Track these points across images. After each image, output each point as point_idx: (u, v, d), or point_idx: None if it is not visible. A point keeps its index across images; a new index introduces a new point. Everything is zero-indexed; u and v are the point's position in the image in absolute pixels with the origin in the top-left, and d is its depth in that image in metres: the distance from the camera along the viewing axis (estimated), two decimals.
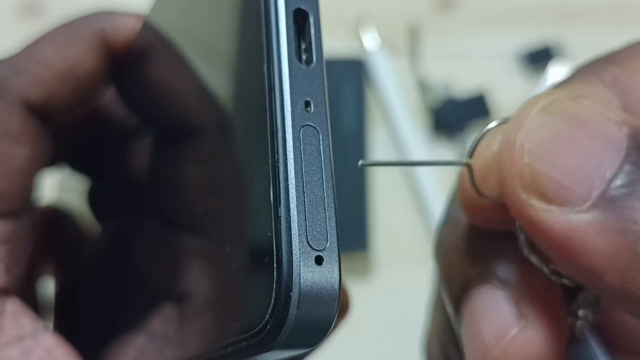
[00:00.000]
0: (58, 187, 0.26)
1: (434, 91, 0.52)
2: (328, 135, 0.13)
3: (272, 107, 0.13)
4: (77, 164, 0.25)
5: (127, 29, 0.21)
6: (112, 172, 0.23)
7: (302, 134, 0.13)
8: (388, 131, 0.52)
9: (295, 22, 0.13)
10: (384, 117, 0.52)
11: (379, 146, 0.50)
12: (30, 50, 0.20)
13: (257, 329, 0.13)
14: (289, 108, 0.13)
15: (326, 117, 0.13)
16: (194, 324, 0.18)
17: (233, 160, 0.15)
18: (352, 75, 0.51)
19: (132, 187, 0.22)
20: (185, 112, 0.19)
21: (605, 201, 0.12)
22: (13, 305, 0.19)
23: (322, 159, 0.13)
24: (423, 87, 0.52)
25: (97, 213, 0.24)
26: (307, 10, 0.13)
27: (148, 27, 0.20)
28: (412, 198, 0.50)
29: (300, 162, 0.13)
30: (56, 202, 0.26)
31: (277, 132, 0.13)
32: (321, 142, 0.13)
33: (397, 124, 0.51)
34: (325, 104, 0.13)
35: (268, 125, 0.13)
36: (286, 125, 0.13)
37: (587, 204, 0.12)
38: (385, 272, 0.48)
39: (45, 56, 0.20)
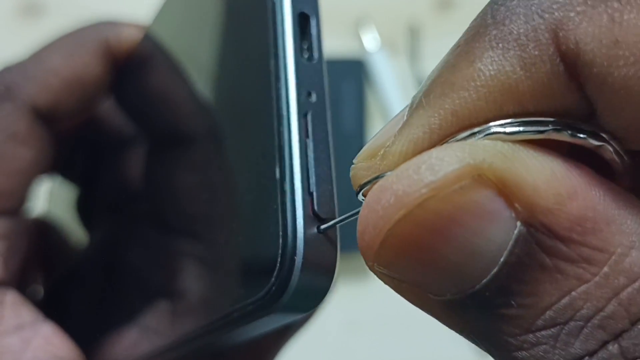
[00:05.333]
0: (48, 197, 0.27)
1: None
2: (327, 121, 0.15)
3: (279, 96, 0.15)
4: (69, 173, 0.25)
5: (129, 39, 0.21)
6: (105, 177, 0.24)
7: (305, 120, 0.15)
8: None
9: (299, 23, 0.15)
10: (384, 117, 0.52)
11: None
12: (39, 57, 0.21)
13: (262, 293, 0.14)
14: (295, 97, 0.15)
15: (326, 106, 0.15)
16: (193, 308, 0.18)
17: (238, 149, 0.16)
18: (352, 75, 0.51)
19: (128, 189, 0.23)
20: (183, 116, 0.19)
21: (456, 305, 0.11)
22: (12, 297, 0.20)
23: (323, 141, 0.15)
24: None
25: (88, 218, 0.25)
26: (309, 13, 0.15)
27: (149, 37, 0.21)
28: None
29: (303, 143, 0.15)
30: (45, 214, 0.27)
31: (282, 117, 0.14)
32: (321, 127, 0.15)
33: None
34: (325, 94, 0.15)
35: (275, 113, 0.15)
36: (291, 111, 0.14)
37: (445, 298, 0.11)
38: None
39: (53, 63, 0.21)
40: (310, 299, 0.14)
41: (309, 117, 0.15)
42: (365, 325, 0.47)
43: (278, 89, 0.15)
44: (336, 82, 0.51)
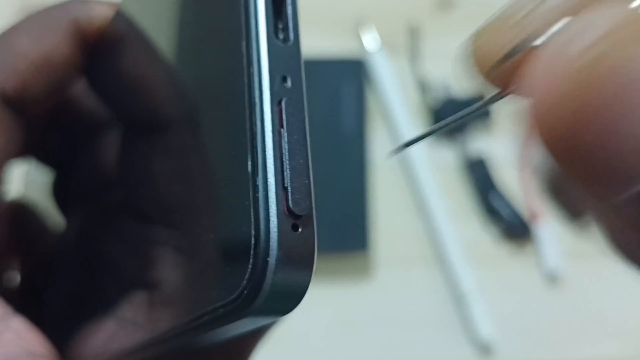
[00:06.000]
0: (23, 181, 0.26)
1: (434, 91, 0.52)
2: (304, 109, 0.14)
3: (250, 82, 0.13)
4: (44, 157, 0.25)
5: (100, 18, 0.20)
6: (80, 163, 0.23)
7: (279, 108, 0.13)
8: (388, 131, 0.52)
9: (273, 1, 0.14)
10: (384, 117, 0.52)
11: (379, 146, 0.50)
12: (6, 39, 0.20)
13: (234, 296, 0.13)
14: (267, 82, 0.13)
15: (302, 92, 0.14)
16: (170, 299, 0.18)
17: (210, 139, 0.15)
18: (352, 75, 0.51)
19: (102, 175, 0.22)
20: (158, 100, 0.18)
21: None
22: None
23: (299, 131, 0.14)
24: (423, 87, 0.52)
25: (64, 205, 0.24)
26: None
27: (120, 16, 0.20)
28: (412, 198, 0.50)
29: (277, 133, 0.13)
30: (21, 197, 0.26)
31: (254, 105, 0.13)
32: (298, 115, 0.14)
33: (397, 124, 0.51)
34: (302, 80, 0.14)
35: (246, 100, 0.13)
36: (264, 98, 0.13)
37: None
38: (385, 272, 0.48)
39: (21, 46, 0.20)
40: (285, 301, 0.13)
41: (283, 105, 0.13)
42: (364, 326, 0.47)
43: (250, 74, 0.13)
44: (336, 82, 0.51)
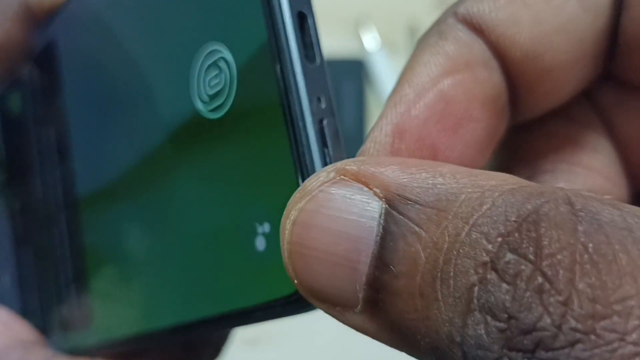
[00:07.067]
0: None
1: None
2: (339, 128, 0.14)
3: (289, 105, 0.14)
4: None
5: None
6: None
7: (321, 127, 0.14)
8: None
9: (299, 23, 0.14)
10: None
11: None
12: None
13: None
14: (307, 104, 0.14)
15: (334, 111, 0.14)
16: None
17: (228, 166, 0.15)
18: (352, 75, 0.51)
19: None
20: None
21: (370, 304, 0.12)
22: None
23: (340, 149, 0.14)
24: None
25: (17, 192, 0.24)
26: (305, 12, 0.14)
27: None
28: None
29: (322, 152, 0.14)
30: None
31: (298, 129, 0.14)
32: (336, 134, 0.14)
33: None
34: (332, 98, 0.14)
35: (287, 124, 0.14)
36: (307, 121, 0.14)
37: (358, 309, 0.12)
38: None
39: None
40: None
41: (325, 125, 0.14)
42: None
43: (288, 98, 0.14)
44: (336, 82, 0.51)
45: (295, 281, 0.12)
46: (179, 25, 0.16)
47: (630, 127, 0.17)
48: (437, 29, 0.15)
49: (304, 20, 0.14)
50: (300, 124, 0.14)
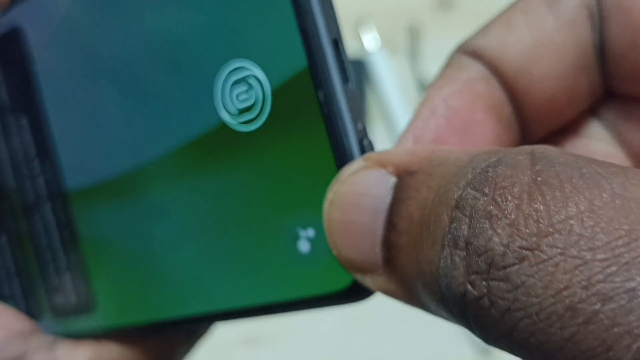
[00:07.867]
0: None
1: None
2: (373, 142, 0.16)
3: (334, 129, 0.15)
4: None
5: None
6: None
7: (361, 147, 0.15)
8: (388, 131, 0.52)
9: (335, 49, 0.15)
10: (384, 117, 0.52)
11: (379, 146, 0.50)
12: None
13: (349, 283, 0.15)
14: (352, 129, 0.15)
15: (367, 131, 0.16)
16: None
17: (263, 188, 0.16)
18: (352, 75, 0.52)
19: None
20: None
21: (386, 262, 0.14)
22: None
23: None
24: (423, 87, 0.52)
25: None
26: (337, 38, 0.15)
27: None
28: None
29: None
30: None
31: (346, 156, 0.15)
32: (371, 150, 0.16)
33: (397, 124, 0.51)
34: (364, 119, 0.16)
35: (332, 144, 0.15)
36: (351, 142, 0.15)
37: (380, 271, 0.14)
38: None
39: None
40: None
41: (365, 146, 0.15)
42: (364, 325, 0.48)
43: (332, 123, 0.15)
44: None
45: (335, 252, 0.15)
46: (201, 38, 0.17)
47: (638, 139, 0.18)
48: (446, 63, 0.18)
49: (337, 45, 0.15)
50: (346, 145, 0.15)
